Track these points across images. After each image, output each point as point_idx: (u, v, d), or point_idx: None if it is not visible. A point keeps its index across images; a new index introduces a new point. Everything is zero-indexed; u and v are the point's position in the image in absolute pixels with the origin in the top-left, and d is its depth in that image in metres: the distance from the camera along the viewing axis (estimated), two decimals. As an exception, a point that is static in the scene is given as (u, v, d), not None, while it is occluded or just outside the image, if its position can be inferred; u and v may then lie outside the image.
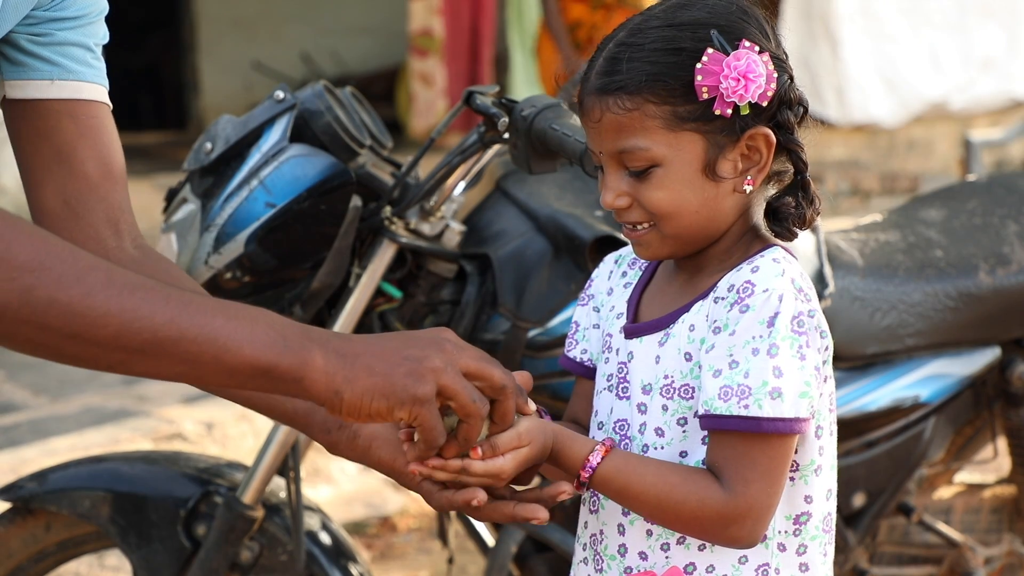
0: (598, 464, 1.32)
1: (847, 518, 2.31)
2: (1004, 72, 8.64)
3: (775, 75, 1.33)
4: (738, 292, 1.33)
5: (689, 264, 1.42)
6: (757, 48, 1.32)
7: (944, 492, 2.50)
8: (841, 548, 2.30)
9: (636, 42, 1.33)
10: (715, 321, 1.34)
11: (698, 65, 1.30)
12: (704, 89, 1.30)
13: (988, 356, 2.35)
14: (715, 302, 1.35)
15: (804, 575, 1.41)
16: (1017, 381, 2.36)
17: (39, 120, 1.44)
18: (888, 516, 2.36)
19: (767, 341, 1.29)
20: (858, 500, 2.30)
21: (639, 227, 1.37)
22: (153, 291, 1.14)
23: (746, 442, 1.30)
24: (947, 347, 2.32)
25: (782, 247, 1.40)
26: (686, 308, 1.38)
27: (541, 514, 1.32)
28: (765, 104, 1.32)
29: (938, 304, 2.28)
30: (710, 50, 1.30)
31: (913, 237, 2.38)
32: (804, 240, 2.25)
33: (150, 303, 1.13)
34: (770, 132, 1.34)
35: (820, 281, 2.20)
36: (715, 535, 1.33)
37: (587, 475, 1.32)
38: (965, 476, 2.59)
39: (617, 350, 1.44)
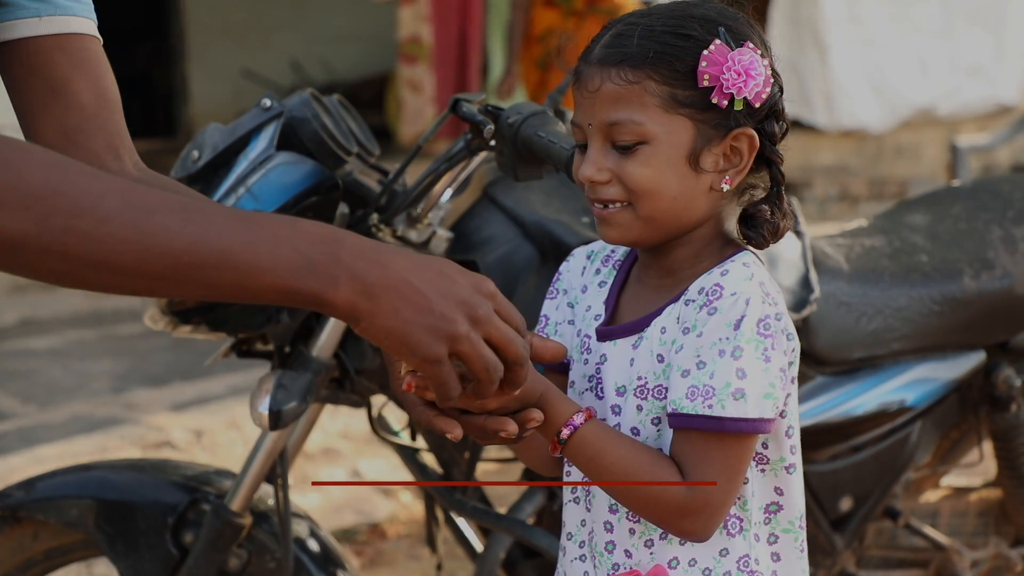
0: (580, 425, 1.35)
1: (834, 522, 2.32)
2: (991, 77, 8.68)
3: (771, 81, 1.38)
4: (707, 295, 1.36)
5: (661, 267, 1.44)
6: (759, 52, 1.37)
7: (931, 496, 2.51)
8: (828, 552, 2.31)
9: (647, 23, 1.38)
10: (685, 323, 1.37)
11: (704, 52, 1.34)
12: (706, 76, 1.34)
13: (973, 360, 2.36)
14: (685, 304, 1.38)
15: (776, 564, 1.44)
16: (1002, 385, 2.37)
17: (30, 58, 1.44)
18: (875, 520, 2.36)
19: (732, 343, 1.33)
20: (845, 504, 2.31)
21: (612, 206, 1.39)
22: (172, 213, 1.11)
23: (707, 440, 1.34)
24: (933, 351, 2.33)
25: (752, 253, 1.43)
26: (658, 311, 1.41)
27: (510, 427, 1.30)
28: (758, 106, 1.37)
29: (923, 308, 2.29)
30: (718, 41, 1.35)
31: (898, 242, 2.39)
32: (790, 246, 2.26)
33: (168, 228, 1.10)
34: (755, 135, 1.38)
35: (806, 286, 2.20)
36: (670, 523, 1.36)
37: (568, 432, 1.35)
38: (951, 480, 2.60)
39: (594, 351, 1.46)
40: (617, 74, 1.36)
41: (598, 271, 1.52)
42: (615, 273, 1.50)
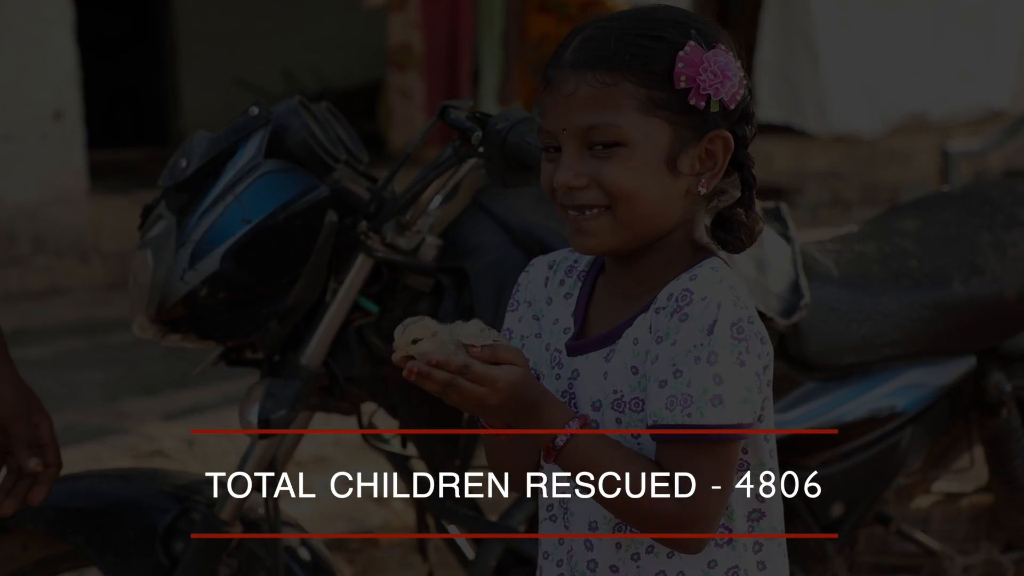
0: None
1: (825, 528, 2.32)
2: (982, 83, 8.69)
3: (744, 83, 1.37)
4: (677, 301, 1.34)
5: (631, 275, 1.42)
6: (732, 54, 1.36)
7: (922, 501, 2.51)
8: (820, 558, 2.31)
9: (619, 26, 1.36)
10: (658, 332, 1.35)
11: (680, 53, 1.33)
12: (682, 78, 1.33)
13: (964, 365, 2.36)
14: (656, 313, 1.36)
15: (762, 572, 1.43)
16: (992, 390, 2.37)
17: None
18: (866, 526, 2.36)
19: (707, 349, 1.31)
20: (836, 510, 2.31)
21: (589, 212, 1.37)
22: None
23: (691, 450, 1.32)
24: (923, 357, 2.33)
25: (720, 257, 1.41)
26: (629, 322, 1.39)
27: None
28: (732, 108, 1.36)
29: (913, 314, 2.30)
30: (691, 43, 1.34)
31: (888, 247, 2.39)
32: (780, 251, 2.26)
33: None
34: (730, 137, 1.37)
35: (795, 292, 2.20)
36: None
37: (564, 439, 1.32)
38: (943, 485, 2.60)
39: (566, 366, 1.43)
40: (594, 77, 1.34)
41: (562, 282, 1.48)
42: (580, 284, 1.46)
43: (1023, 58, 8.96)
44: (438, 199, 2.06)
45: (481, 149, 1.91)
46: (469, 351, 1.29)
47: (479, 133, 1.90)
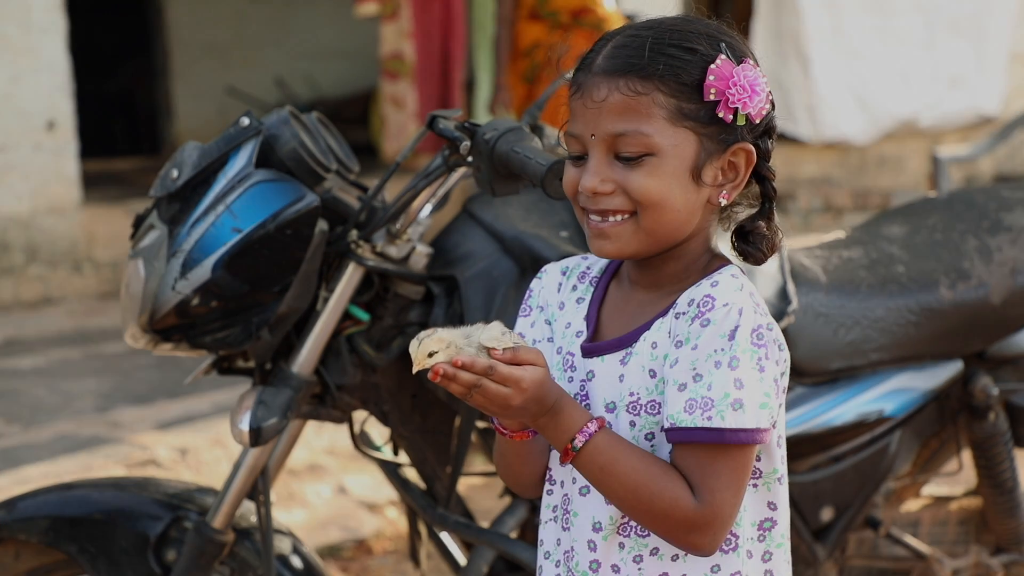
0: (594, 433, 1.35)
1: (816, 532, 2.33)
2: (972, 89, 8.73)
3: (770, 98, 1.39)
4: (699, 306, 1.36)
5: (648, 281, 1.44)
6: (758, 68, 1.39)
7: (911, 505, 2.52)
8: (810, 562, 2.32)
9: (653, 36, 1.38)
10: (677, 336, 1.37)
11: (712, 66, 1.36)
12: (712, 91, 1.35)
13: (951, 370, 2.38)
14: (676, 318, 1.38)
15: None
16: (980, 394, 2.39)
17: None
18: (856, 530, 2.38)
19: (728, 354, 1.33)
20: (826, 514, 2.32)
21: (612, 218, 1.39)
22: None
23: (710, 453, 1.33)
24: (910, 361, 2.34)
25: (736, 266, 1.43)
26: (647, 326, 1.41)
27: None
28: (758, 121, 1.38)
29: (901, 319, 2.31)
30: (723, 56, 1.36)
31: (875, 253, 2.40)
32: (768, 258, 2.27)
33: None
34: (753, 150, 1.40)
35: (784, 298, 2.22)
36: (678, 537, 1.36)
37: (583, 440, 1.34)
38: (932, 489, 2.62)
39: (579, 369, 1.45)
40: (626, 85, 1.36)
41: (575, 288, 1.51)
42: (592, 289, 1.49)
43: (1013, 64, 8.99)
44: (428, 208, 2.07)
45: (470, 158, 1.92)
46: (491, 354, 1.31)
47: (467, 143, 1.91)
